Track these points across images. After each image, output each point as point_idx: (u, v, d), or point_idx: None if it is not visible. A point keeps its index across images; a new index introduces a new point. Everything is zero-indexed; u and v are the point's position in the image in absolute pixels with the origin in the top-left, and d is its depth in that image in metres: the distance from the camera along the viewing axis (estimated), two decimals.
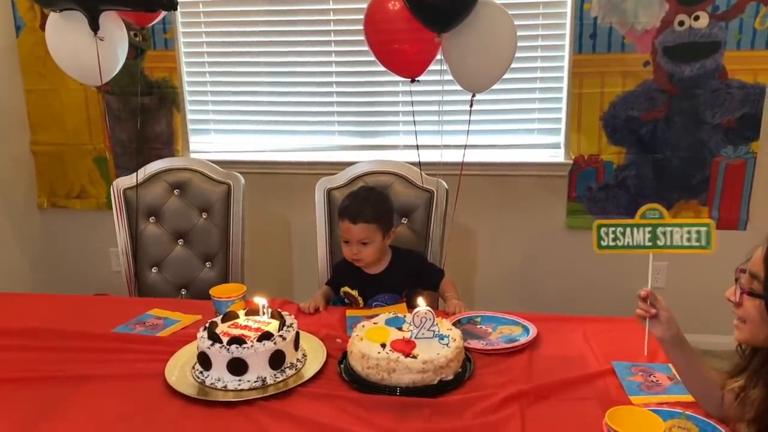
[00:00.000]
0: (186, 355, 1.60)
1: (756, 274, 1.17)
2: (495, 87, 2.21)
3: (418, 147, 2.33)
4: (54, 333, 1.77)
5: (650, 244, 1.51)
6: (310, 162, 3.06)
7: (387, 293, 1.98)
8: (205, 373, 1.49)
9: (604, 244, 1.55)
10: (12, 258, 3.26)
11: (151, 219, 2.38)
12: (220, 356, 1.46)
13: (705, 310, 2.40)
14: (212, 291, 1.85)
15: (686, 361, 1.36)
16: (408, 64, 2.19)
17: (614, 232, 1.54)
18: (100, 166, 3.27)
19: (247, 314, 1.64)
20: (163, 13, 2.40)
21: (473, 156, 2.65)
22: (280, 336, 1.51)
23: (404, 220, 2.25)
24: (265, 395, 1.44)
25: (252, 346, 1.47)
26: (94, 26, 2.18)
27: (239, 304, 1.78)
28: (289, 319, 1.60)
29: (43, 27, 3.00)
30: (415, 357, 1.45)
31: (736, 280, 1.22)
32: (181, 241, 2.39)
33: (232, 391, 1.45)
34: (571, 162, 2.91)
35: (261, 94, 3.13)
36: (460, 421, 1.35)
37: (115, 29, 2.30)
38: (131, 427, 1.38)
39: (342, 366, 1.56)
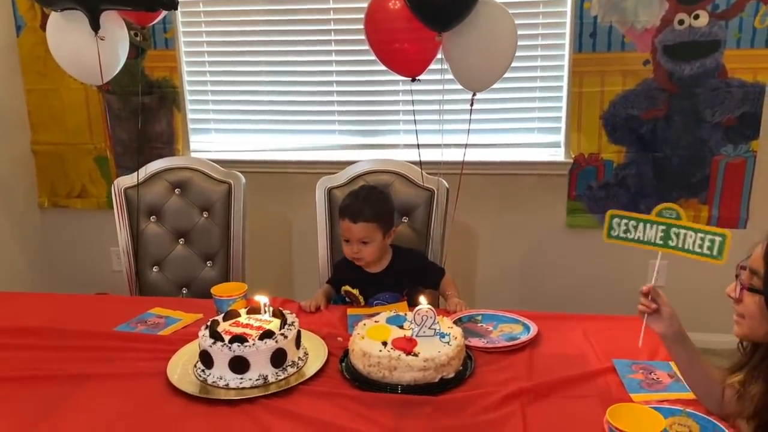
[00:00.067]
0: (188, 354, 1.61)
1: (756, 270, 1.18)
2: (495, 86, 2.21)
3: (418, 146, 2.33)
4: (55, 332, 1.78)
5: (661, 242, 1.50)
6: (310, 161, 3.06)
7: (388, 292, 1.98)
8: (207, 372, 1.50)
9: (614, 234, 1.55)
10: (12, 258, 3.26)
11: (152, 218, 2.38)
12: (221, 354, 1.47)
13: (705, 309, 2.40)
14: (214, 290, 1.85)
15: (688, 357, 1.36)
16: (408, 64, 2.20)
17: (626, 224, 1.53)
18: (101, 166, 3.28)
19: (248, 313, 1.64)
20: (164, 13, 2.40)
21: (474, 155, 2.65)
22: (282, 334, 1.52)
23: (405, 219, 2.25)
24: (266, 393, 1.44)
25: (254, 344, 1.47)
26: (95, 26, 2.18)
27: (240, 302, 1.78)
28: (291, 317, 1.61)
29: (43, 26, 3.02)
30: (416, 355, 1.46)
31: (737, 276, 1.23)
32: (182, 241, 2.39)
33: (233, 389, 1.46)
34: (572, 161, 2.91)
35: (261, 94, 3.13)
36: (461, 419, 1.36)
37: (115, 29, 2.30)
38: (133, 425, 1.39)
39: (343, 364, 1.56)
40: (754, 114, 2.74)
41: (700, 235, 1.45)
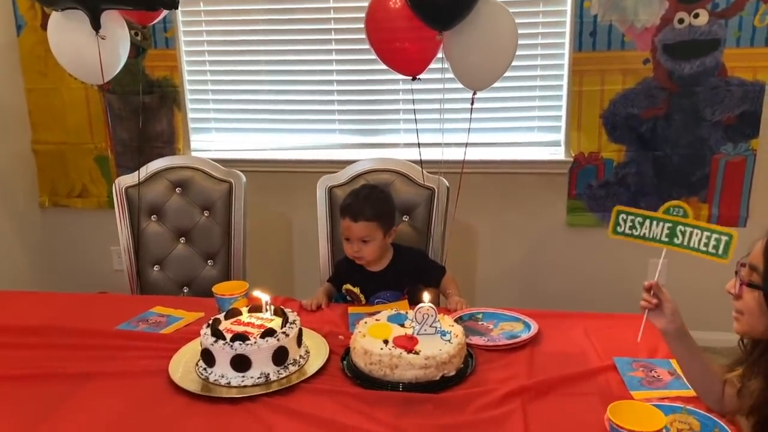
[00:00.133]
0: (189, 352, 1.61)
1: (756, 266, 1.19)
2: (495, 85, 2.22)
3: (419, 145, 2.33)
4: (57, 330, 1.78)
5: (666, 240, 1.50)
6: (311, 160, 3.07)
7: (389, 290, 1.99)
8: (209, 370, 1.50)
9: (619, 230, 1.55)
10: (13, 257, 3.26)
11: (153, 217, 2.39)
12: (223, 353, 1.47)
13: (705, 307, 2.40)
14: (215, 288, 1.86)
15: (689, 354, 1.37)
16: (409, 63, 2.20)
17: (632, 221, 1.53)
18: (102, 165, 3.28)
19: (250, 311, 1.65)
20: (165, 12, 2.40)
21: (474, 154, 2.66)
22: (283, 332, 1.52)
23: (405, 218, 2.26)
24: (268, 391, 1.45)
25: (255, 342, 1.48)
26: (96, 25, 2.18)
27: (242, 301, 1.79)
28: (292, 315, 1.61)
29: (43, 26, 3.02)
30: (417, 353, 1.46)
31: (736, 273, 1.24)
32: (182, 240, 2.39)
33: (235, 387, 1.46)
34: (572, 160, 2.91)
35: (262, 93, 3.13)
36: (462, 417, 1.36)
37: (116, 28, 2.31)
38: (135, 424, 1.39)
39: (345, 362, 1.57)
40: (754, 113, 2.74)
41: (706, 233, 1.44)
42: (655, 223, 1.51)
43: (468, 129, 2.32)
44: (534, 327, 1.71)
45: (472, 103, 2.22)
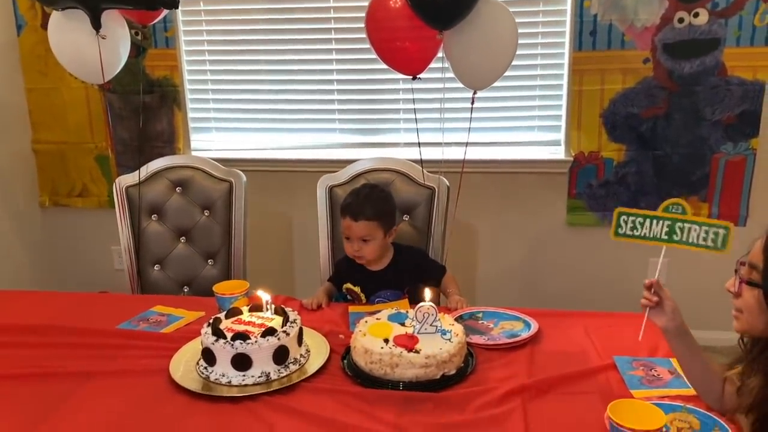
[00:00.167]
0: (190, 351, 1.62)
1: (755, 264, 1.19)
2: (495, 84, 2.22)
3: (419, 144, 2.33)
4: (57, 330, 1.78)
5: (666, 237, 1.51)
6: (311, 160, 3.07)
7: (389, 289, 1.99)
8: (210, 369, 1.50)
9: (621, 231, 1.56)
10: (14, 257, 3.26)
11: (153, 217, 2.39)
12: (224, 352, 1.47)
13: (705, 306, 2.40)
14: (215, 287, 1.86)
15: (689, 352, 1.37)
16: (409, 62, 2.20)
17: (633, 222, 1.54)
18: (102, 165, 3.28)
19: (250, 310, 1.65)
20: (165, 12, 2.40)
21: (474, 153, 2.65)
22: (284, 332, 1.52)
23: (406, 217, 2.26)
24: (269, 390, 1.45)
25: (256, 341, 1.48)
26: (96, 25, 2.18)
27: (242, 300, 1.79)
28: (293, 315, 1.61)
29: (43, 26, 3.03)
30: (417, 352, 1.46)
31: (736, 271, 1.24)
32: (183, 239, 2.40)
33: (236, 386, 1.46)
34: (572, 159, 2.91)
35: (262, 92, 3.13)
36: (463, 415, 1.36)
37: (117, 27, 2.31)
38: (135, 423, 1.39)
39: (345, 361, 1.57)
40: (754, 112, 2.75)
41: (704, 228, 1.47)
42: (655, 222, 1.52)
43: (468, 128, 2.32)
44: (534, 326, 1.72)
45: (473, 103, 2.23)
